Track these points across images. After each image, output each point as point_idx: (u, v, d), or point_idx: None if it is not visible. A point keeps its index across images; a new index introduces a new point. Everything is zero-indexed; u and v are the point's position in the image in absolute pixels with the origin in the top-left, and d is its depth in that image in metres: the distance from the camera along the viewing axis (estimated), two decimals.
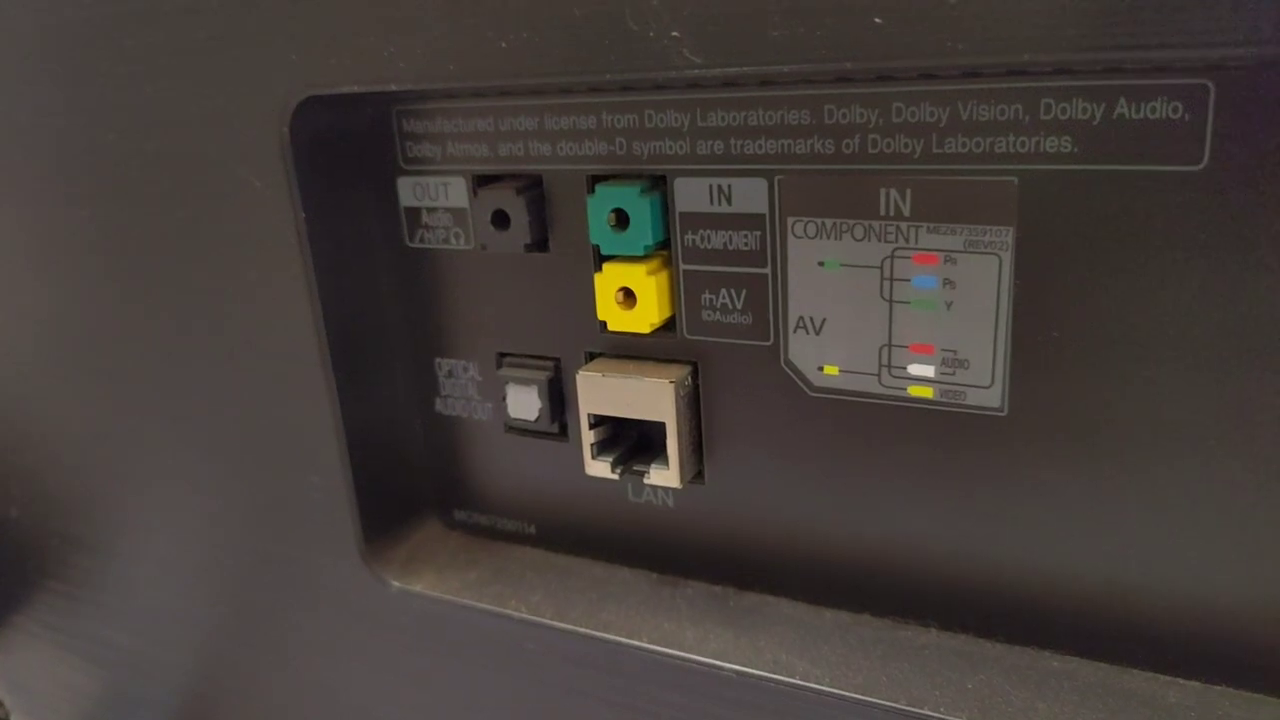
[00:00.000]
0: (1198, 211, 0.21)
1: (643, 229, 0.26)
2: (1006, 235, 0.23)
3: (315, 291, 0.29)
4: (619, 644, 0.28)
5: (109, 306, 0.34)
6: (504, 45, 0.24)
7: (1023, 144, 0.22)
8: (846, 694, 0.25)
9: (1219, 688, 0.24)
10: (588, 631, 0.28)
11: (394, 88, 0.26)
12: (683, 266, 0.26)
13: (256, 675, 0.36)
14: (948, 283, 0.24)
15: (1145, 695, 0.24)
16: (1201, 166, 0.21)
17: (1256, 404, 0.22)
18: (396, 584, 0.31)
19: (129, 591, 0.39)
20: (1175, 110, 0.21)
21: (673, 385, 0.27)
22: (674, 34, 0.22)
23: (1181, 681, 0.24)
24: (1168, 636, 0.24)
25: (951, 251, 0.23)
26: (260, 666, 0.36)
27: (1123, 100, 0.21)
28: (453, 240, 0.29)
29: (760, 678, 0.26)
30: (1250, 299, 0.21)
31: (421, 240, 0.30)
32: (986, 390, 0.24)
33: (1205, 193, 0.21)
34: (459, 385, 0.31)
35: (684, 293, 0.27)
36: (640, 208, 0.26)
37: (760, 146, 0.25)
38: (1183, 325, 0.22)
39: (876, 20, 0.20)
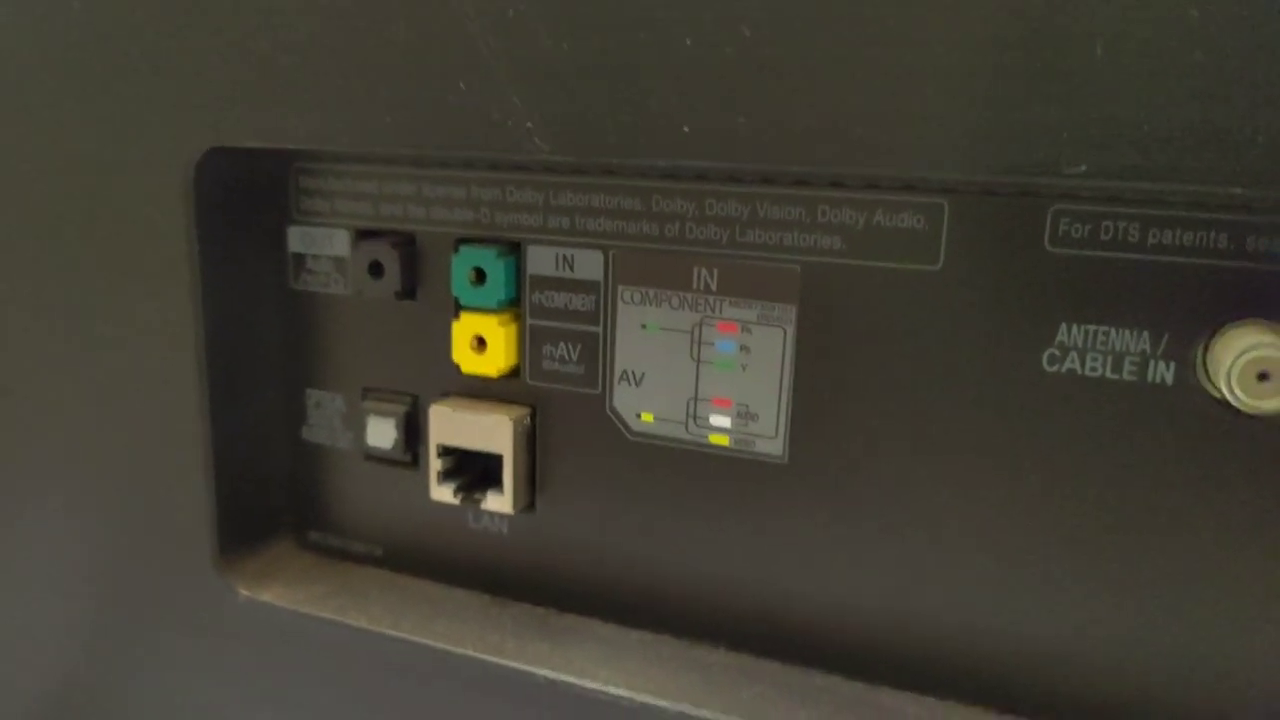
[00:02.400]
0: (935, 302, 0.26)
1: (498, 286, 0.30)
2: (790, 312, 0.28)
3: (201, 318, 0.32)
4: (446, 652, 0.31)
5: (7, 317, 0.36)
6: (389, 120, 0.28)
7: (804, 239, 0.27)
8: (639, 698, 0.28)
9: (950, 702, 0.28)
10: (418, 640, 0.31)
11: (290, 146, 0.30)
12: (529, 321, 0.31)
13: (110, 680, 0.38)
14: (744, 348, 0.28)
15: (890, 708, 0.28)
16: (938, 267, 0.26)
17: (975, 457, 0.27)
18: (245, 593, 0.33)
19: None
20: (919, 221, 0.26)
21: (512, 421, 0.30)
22: (528, 125, 0.27)
23: (921, 697, 0.28)
24: (912, 659, 0.28)
25: (748, 322, 0.28)
26: (114, 671, 0.37)
27: (880, 211, 0.26)
28: (332, 285, 0.33)
29: (567, 683, 0.29)
30: (978, 374, 0.26)
31: (304, 283, 0.34)
32: (772, 440, 0.29)
33: (941, 288, 0.26)
34: (325, 415, 0.34)
35: (529, 344, 0.31)
36: (497, 268, 0.30)
37: (599, 225, 0.29)
38: (925, 395, 0.27)
39: (685, 129, 0.25)
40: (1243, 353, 0.23)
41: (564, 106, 0.26)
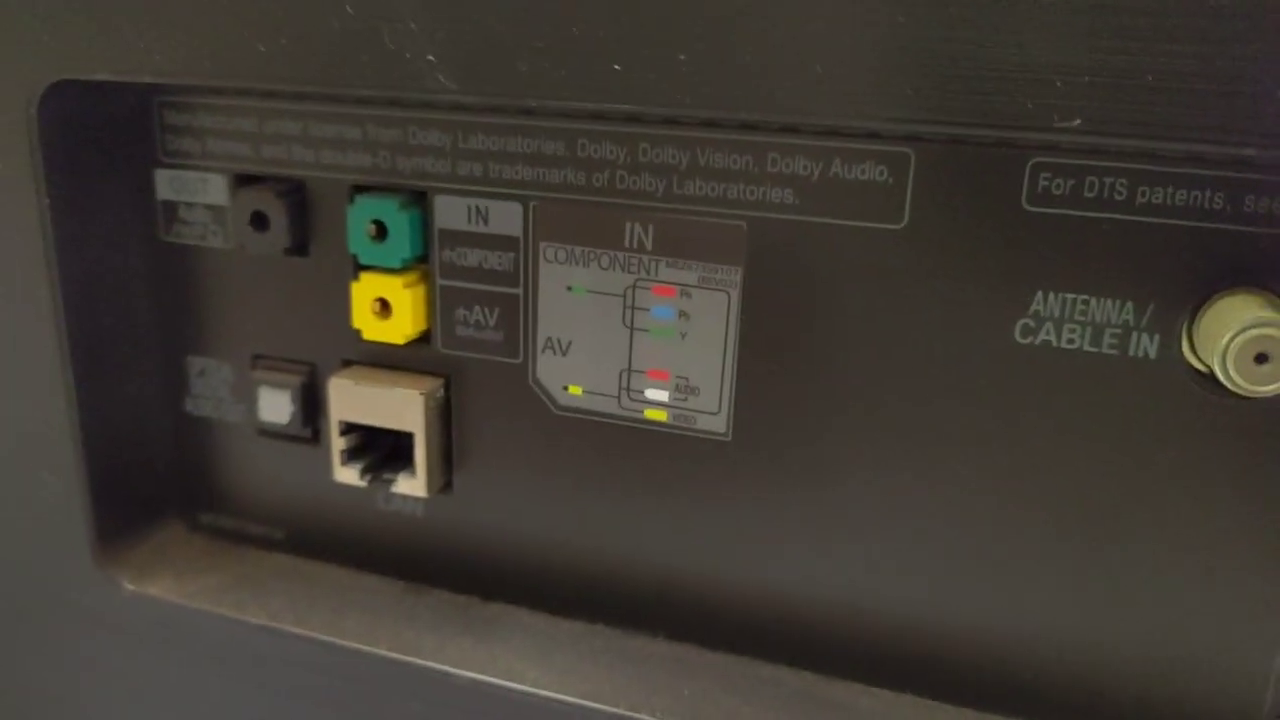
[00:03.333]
0: (898, 265, 0.23)
1: (401, 242, 0.26)
2: (735, 274, 0.25)
3: (57, 281, 0.28)
4: (356, 651, 0.28)
5: None
6: (262, 49, 0.24)
7: (751, 192, 0.24)
8: (570, 700, 0.26)
9: (906, 695, 0.26)
10: (326, 639, 0.28)
11: (148, 79, 0.25)
12: (440, 281, 0.27)
13: None
14: (683, 314, 0.25)
15: (841, 702, 0.26)
16: (902, 225, 0.23)
17: (938, 436, 0.24)
18: (131, 587, 0.30)
19: None
20: (882, 173, 0.23)
21: (423, 396, 0.27)
22: (429, 57, 0.23)
23: (874, 690, 0.26)
24: (865, 648, 0.26)
25: (687, 285, 0.25)
26: None
27: (838, 161, 0.23)
28: (210, 238, 0.29)
29: (492, 685, 0.27)
30: (942, 346, 0.24)
31: (177, 235, 0.29)
32: (714, 416, 0.26)
33: (905, 249, 0.23)
34: (210, 385, 0.30)
35: (440, 307, 0.27)
36: (399, 221, 0.26)
37: (517, 172, 0.25)
38: (884, 368, 0.24)
39: (615, 66, 0.21)
40: (1240, 331, 0.20)
41: (471, 36, 0.22)
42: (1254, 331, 0.20)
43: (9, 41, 0.26)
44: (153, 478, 0.31)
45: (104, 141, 0.28)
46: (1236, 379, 0.20)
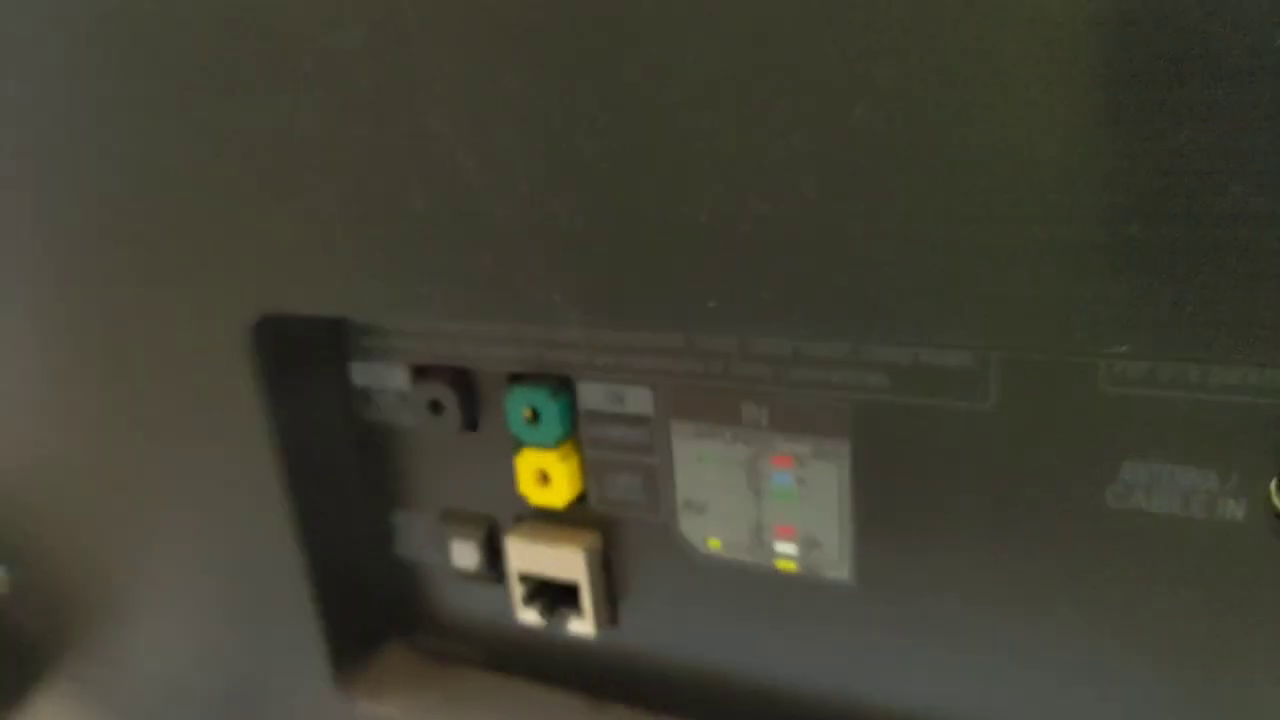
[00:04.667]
0: (989, 439, 0.25)
1: (553, 425, 0.31)
2: (844, 446, 0.27)
3: (279, 459, 0.34)
4: None
5: (120, 460, 0.38)
6: (424, 290, 0.28)
7: (851, 377, 0.27)
8: None
9: None
10: None
11: (332, 315, 0.30)
12: (589, 453, 0.31)
13: None
14: (801, 480, 0.28)
15: None
16: (989, 405, 0.25)
17: (1042, 587, 0.26)
18: (365, 705, 0.36)
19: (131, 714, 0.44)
20: (967, 360, 0.25)
21: (584, 552, 0.31)
22: (555, 297, 0.27)
23: None
24: None
25: (803, 456, 0.28)
26: None
27: (925, 350, 0.25)
28: (400, 416, 0.34)
29: None
30: (1039, 508, 0.26)
31: (374, 414, 0.35)
32: (837, 566, 0.29)
33: (994, 425, 0.25)
34: (413, 534, 0.36)
35: (591, 473, 0.31)
36: (550, 408, 0.30)
37: (645, 362, 0.29)
38: (986, 528, 0.26)
39: (710, 304, 0.25)
40: None
41: (588, 280, 0.26)
42: None
43: (227, 285, 0.32)
44: (374, 611, 0.37)
45: (308, 344, 0.34)
46: None
